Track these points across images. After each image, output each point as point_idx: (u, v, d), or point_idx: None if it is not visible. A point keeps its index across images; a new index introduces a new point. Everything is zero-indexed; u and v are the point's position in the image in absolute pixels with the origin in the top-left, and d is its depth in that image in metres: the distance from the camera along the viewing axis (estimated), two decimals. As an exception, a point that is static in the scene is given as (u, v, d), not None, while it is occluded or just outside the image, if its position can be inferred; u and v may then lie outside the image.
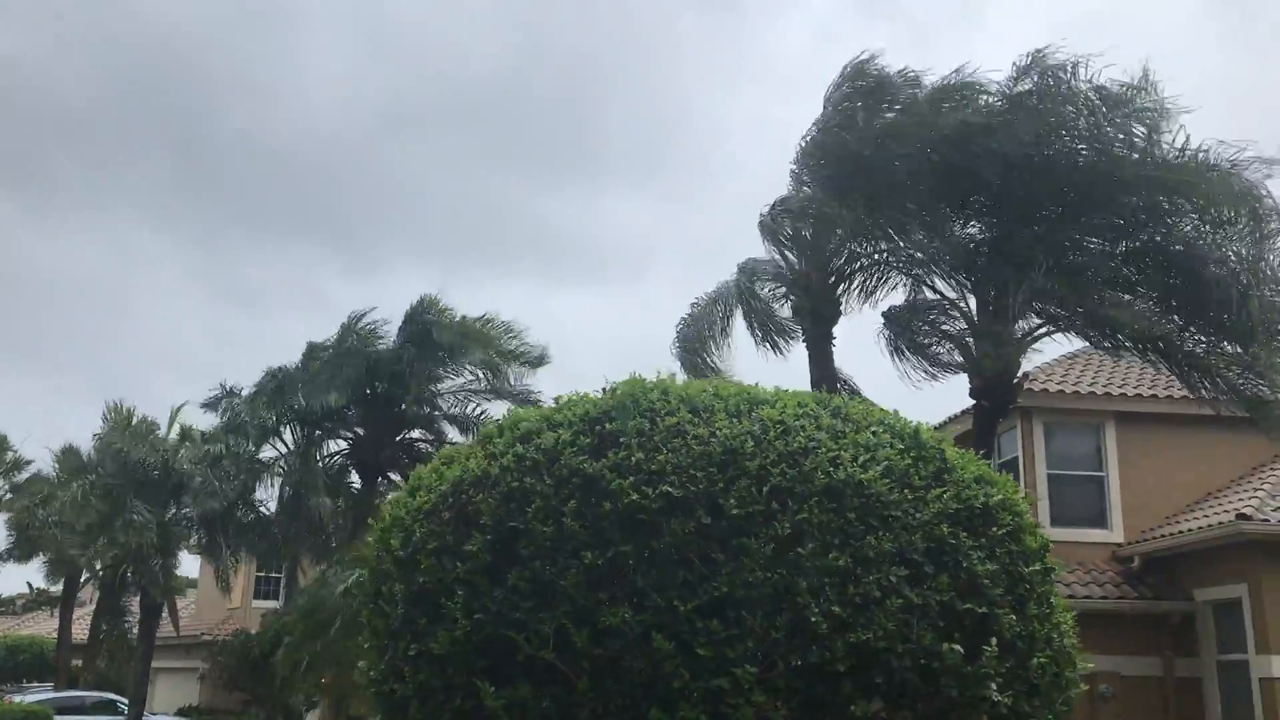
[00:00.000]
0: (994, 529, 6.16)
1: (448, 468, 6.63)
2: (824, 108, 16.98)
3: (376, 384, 24.20)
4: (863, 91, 16.52)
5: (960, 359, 17.53)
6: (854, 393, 18.61)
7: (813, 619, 5.52)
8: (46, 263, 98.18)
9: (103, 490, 25.53)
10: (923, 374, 18.52)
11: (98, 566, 28.71)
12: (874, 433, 6.36)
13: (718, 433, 6.04)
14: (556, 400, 6.93)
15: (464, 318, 24.17)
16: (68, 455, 32.26)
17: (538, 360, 24.46)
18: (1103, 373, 20.25)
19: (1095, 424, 19.32)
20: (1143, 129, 15.06)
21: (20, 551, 34.47)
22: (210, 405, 26.05)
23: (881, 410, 6.83)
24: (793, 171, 17.41)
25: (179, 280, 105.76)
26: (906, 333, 18.17)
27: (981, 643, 5.78)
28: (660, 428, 6.13)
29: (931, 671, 5.64)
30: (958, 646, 5.66)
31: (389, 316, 24.86)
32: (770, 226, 18.82)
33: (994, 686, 5.68)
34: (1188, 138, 14.97)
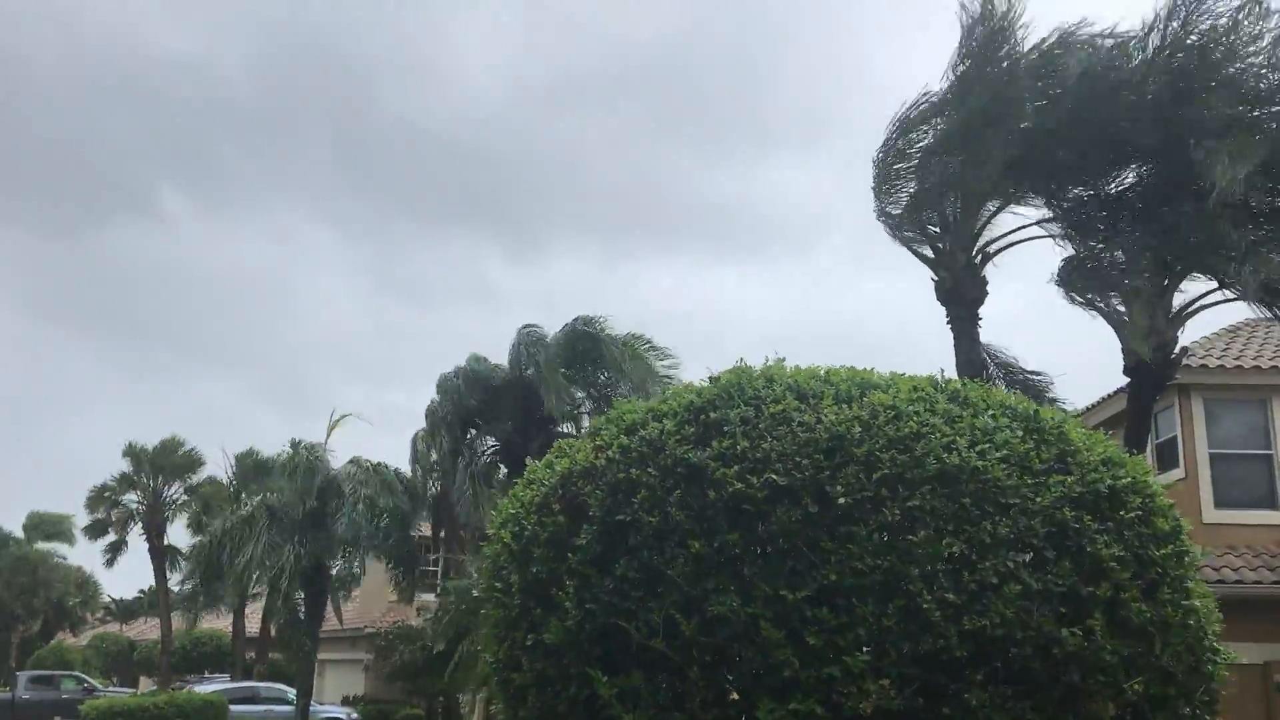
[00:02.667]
0: (1122, 512, 5.87)
1: (558, 460, 6.70)
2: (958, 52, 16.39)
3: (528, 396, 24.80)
4: (995, 34, 15.95)
5: (1116, 332, 16.75)
6: (1009, 370, 17.93)
7: (925, 606, 5.38)
8: (216, 260, 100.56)
9: (270, 521, 26.80)
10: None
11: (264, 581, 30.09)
12: (993, 416, 6.14)
13: (824, 419, 5.93)
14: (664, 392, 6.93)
15: (629, 336, 24.58)
16: (243, 461, 34.06)
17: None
18: (1268, 346, 19.08)
19: (1260, 399, 18.21)
20: None
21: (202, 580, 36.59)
22: None
23: (1002, 393, 6.59)
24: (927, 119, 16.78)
25: (342, 273, 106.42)
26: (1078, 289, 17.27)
27: (1109, 629, 5.53)
28: (765, 415, 6.06)
29: (1053, 658, 5.42)
30: (1079, 631, 5.42)
31: (551, 321, 25.51)
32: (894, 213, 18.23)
33: (1121, 674, 5.42)
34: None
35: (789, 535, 5.61)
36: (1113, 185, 16.44)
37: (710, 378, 6.74)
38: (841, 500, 5.61)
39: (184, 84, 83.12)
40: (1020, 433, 6.08)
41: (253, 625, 37.93)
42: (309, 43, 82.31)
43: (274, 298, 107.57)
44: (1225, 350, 18.92)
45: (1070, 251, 17.02)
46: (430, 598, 34.28)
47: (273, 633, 35.79)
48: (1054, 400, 16.94)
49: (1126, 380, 17.02)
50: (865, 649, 5.41)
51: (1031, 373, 17.43)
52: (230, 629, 39.04)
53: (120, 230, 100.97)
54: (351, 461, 27.55)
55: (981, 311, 17.95)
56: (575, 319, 24.90)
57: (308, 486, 26.45)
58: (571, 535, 6.14)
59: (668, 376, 23.94)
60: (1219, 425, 18.34)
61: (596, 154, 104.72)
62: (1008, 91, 15.60)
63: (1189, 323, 17.20)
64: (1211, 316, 17.42)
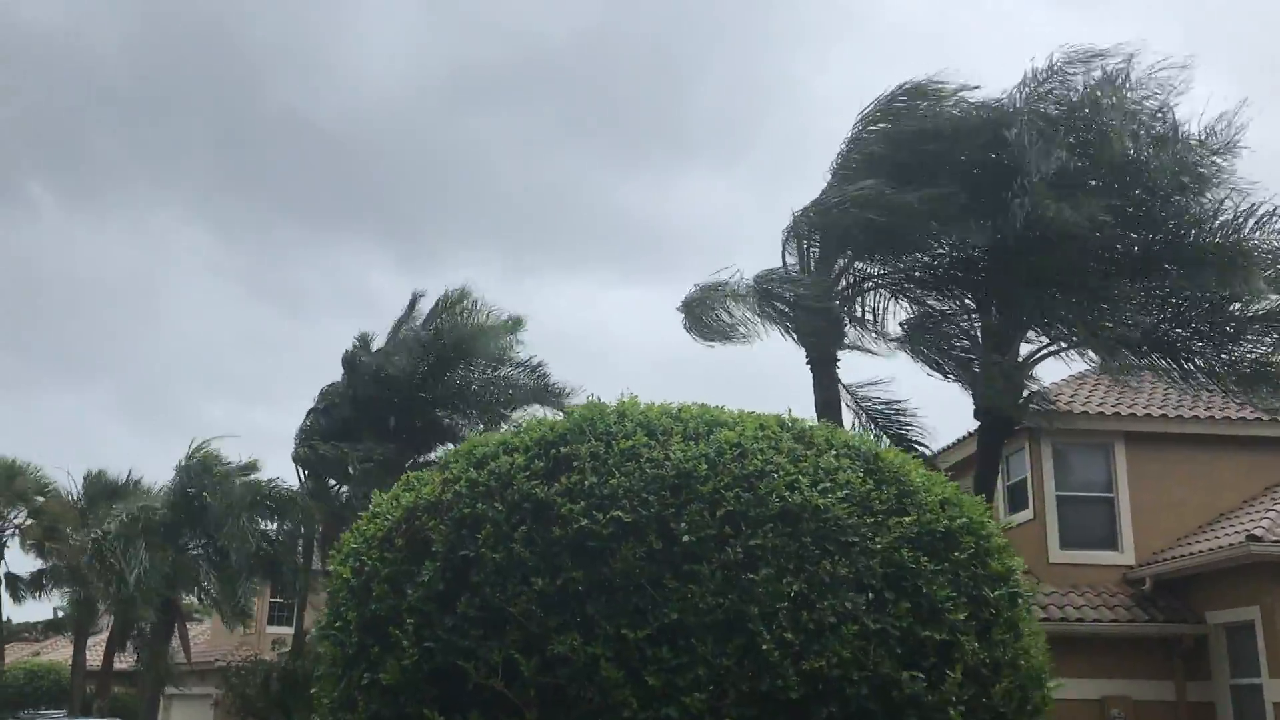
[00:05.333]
0: (956, 553, 6.01)
1: (404, 494, 6.55)
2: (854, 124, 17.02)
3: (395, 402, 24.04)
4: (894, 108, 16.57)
5: (964, 378, 17.33)
6: (871, 410, 18.28)
7: (764, 646, 5.39)
8: (75, 258, 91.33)
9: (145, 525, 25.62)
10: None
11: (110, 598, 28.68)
12: (836, 456, 6.23)
13: (671, 456, 5.93)
14: (518, 424, 6.86)
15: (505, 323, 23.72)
16: (94, 482, 32.49)
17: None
18: (1112, 393, 19.97)
19: (1105, 444, 19.03)
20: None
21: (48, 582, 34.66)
22: None
23: (846, 433, 6.70)
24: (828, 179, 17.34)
25: (213, 276, 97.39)
26: (922, 346, 17.84)
27: (944, 670, 5.63)
28: (615, 451, 6.03)
29: (891, 700, 5.49)
30: (919, 674, 5.51)
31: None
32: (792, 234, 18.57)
33: (955, 715, 5.52)
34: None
35: (633, 573, 5.58)
36: (949, 251, 17.09)
37: (564, 412, 6.70)
38: (686, 538, 5.61)
39: (50, 56, 75.78)
40: (861, 473, 6.18)
41: (94, 658, 36.09)
42: (193, 21, 74.83)
43: (136, 301, 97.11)
44: (1073, 396, 19.72)
45: (909, 311, 17.73)
46: (287, 630, 33.26)
47: (115, 665, 34.10)
48: (914, 442, 17.36)
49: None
50: (705, 689, 5.39)
51: (895, 414, 17.84)
52: (70, 661, 37.09)
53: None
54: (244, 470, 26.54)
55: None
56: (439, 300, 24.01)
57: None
58: (414, 571, 5.99)
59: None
60: (1066, 469, 19.09)
61: (501, 158, 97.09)
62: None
63: (1039, 368, 17.98)
64: (1057, 365, 18.19)
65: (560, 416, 6.74)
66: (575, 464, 6.00)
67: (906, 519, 5.95)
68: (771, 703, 5.40)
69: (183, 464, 27.12)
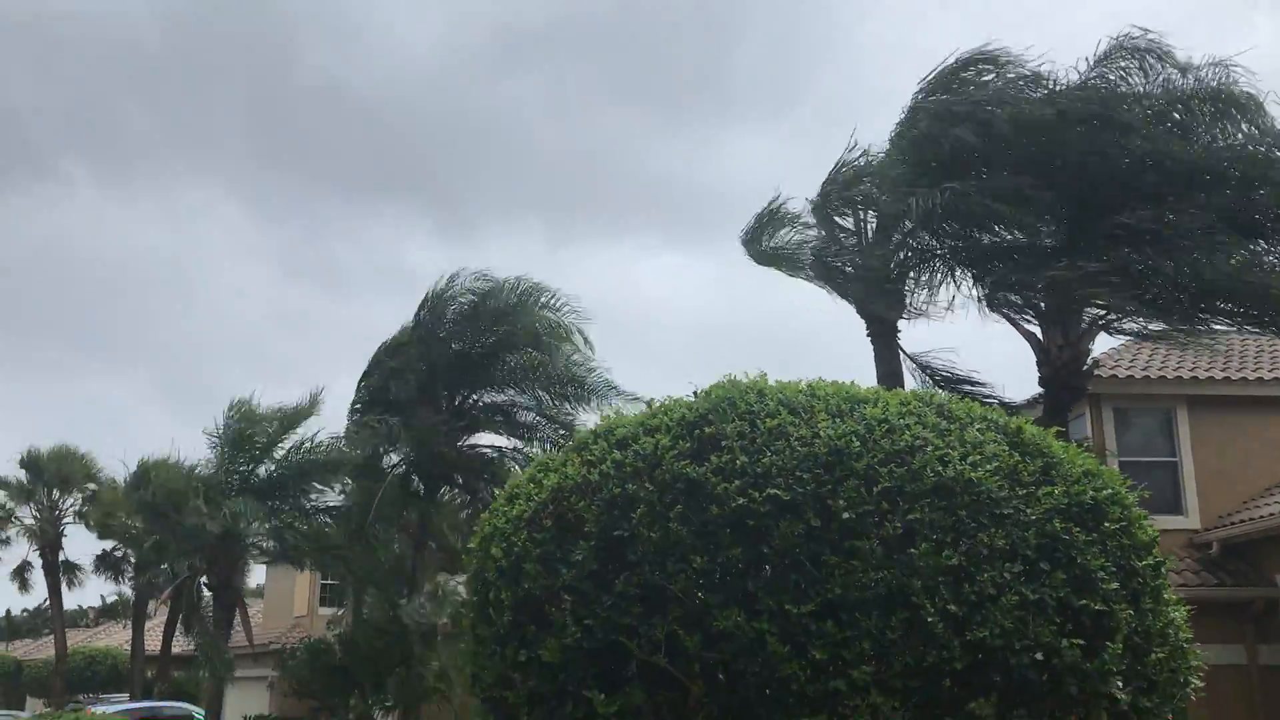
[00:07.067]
0: (1105, 523, 6.06)
1: (545, 475, 6.63)
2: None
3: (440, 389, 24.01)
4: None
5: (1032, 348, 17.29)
6: (946, 379, 18.27)
7: (928, 619, 5.46)
8: (112, 237, 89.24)
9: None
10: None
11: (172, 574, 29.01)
12: (979, 429, 6.28)
13: (821, 433, 5.99)
14: (649, 404, 6.92)
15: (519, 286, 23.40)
16: (144, 468, 32.82)
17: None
18: (1172, 356, 19.89)
19: (1167, 408, 18.98)
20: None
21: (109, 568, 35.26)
22: None
23: (983, 407, 6.74)
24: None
25: (251, 253, 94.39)
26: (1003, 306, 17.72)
27: (1099, 639, 5.69)
28: (761, 429, 6.09)
29: (1051, 669, 5.55)
30: (1079, 642, 5.57)
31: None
32: (823, 207, 18.61)
33: (1117, 684, 5.58)
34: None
35: (792, 550, 5.64)
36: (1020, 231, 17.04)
37: (695, 391, 6.76)
38: (844, 514, 5.67)
39: (85, 33, 73.56)
40: (1006, 445, 6.22)
41: (152, 641, 36.66)
42: (224, -8, 73.62)
43: (171, 283, 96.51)
44: (1133, 361, 19.66)
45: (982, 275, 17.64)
46: (338, 611, 33.58)
47: (173, 649, 34.63)
48: (1001, 404, 17.34)
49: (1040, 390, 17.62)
50: (870, 662, 5.47)
51: (967, 380, 17.82)
52: (128, 646, 37.66)
53: (20, 198, 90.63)
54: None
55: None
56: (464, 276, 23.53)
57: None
58: (565, 551, 6.08)
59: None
60: (1128, 433, 19.05)
61: (540, 124, 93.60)
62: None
63: (1101, 335, 17.92)
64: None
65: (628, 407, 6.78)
66: (723, 443, 6.05)
67: (1055, 490, 6.00)
68: (936, 674, 5.46)
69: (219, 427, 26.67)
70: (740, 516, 5.74)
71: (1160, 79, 15.62)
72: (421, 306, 23.81)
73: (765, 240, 18.89)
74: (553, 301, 23.18)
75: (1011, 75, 16.31)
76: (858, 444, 5.91)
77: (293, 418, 26.42)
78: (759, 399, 6.38)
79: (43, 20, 69.53)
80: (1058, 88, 15.93)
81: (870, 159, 17.75)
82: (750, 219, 18.81)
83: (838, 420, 6.10)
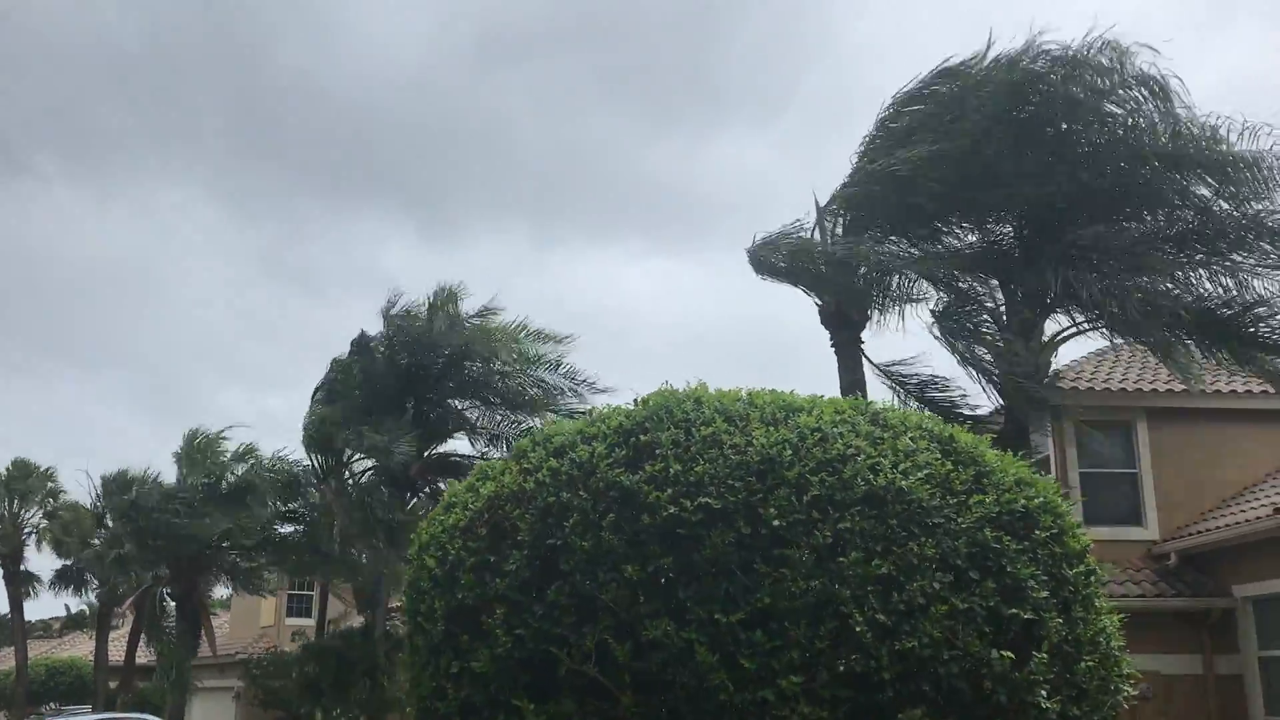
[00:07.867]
0: (1036, 532, 6.09)
1: (482, 484, 6.62)
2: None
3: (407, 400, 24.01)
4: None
5: (991, 359, 17.36)
6: (905, 386, 18.29)
7: (857, 628, 5.47)
8: (82, 236, 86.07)
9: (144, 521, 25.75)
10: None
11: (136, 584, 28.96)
12: (912, 438, 6.30)
13: (754, 441, 6.00)
14: (590, 412, 6.92)
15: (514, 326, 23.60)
16: (110, 484, 32.54)
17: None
18: (1132, 369, 20.05)
19: (1127, 421, 19.11)
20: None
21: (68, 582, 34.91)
22: None
23: (919, 415, 6.77)
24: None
25: (225, 254, 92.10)
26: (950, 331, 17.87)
27: (1028, 648, 5.71)
28: (696, 438, 6.10)
29: (979, 678, 5.57)
30: (1007, 653, 5.59)
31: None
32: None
33: (1043, 693, 5.61)
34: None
35: (723, 559, 5.65)
36: (979, 234, 17.17)
37: (635, 400, 6.76)
38: (775, 523, 5.68)
39: (61, 30, 72.28)
40: (939, 454, 6.25)
41: (115, 652, 36.24)
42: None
43: (144, 285, 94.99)
44: (1094, 374, 19.80)
45: (942, 294, 17.76)
46: (307, 621, 33.36)
47: (138, 660, 34.24)
48: (967, 414, 17.39)
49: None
50: (799, 671, 5.47)
51: (937, 388, 17.84)
52: (92, 657, 37.23)
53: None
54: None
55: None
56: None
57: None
58: (499, 560, 6.06)
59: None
60: (1088, 445, 19.17)
61: (525, 124, 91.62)
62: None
63: (1063, 348, 18.05)
64: (1084, 342, 18.25)
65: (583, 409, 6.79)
66: (658, 452, 6.06)
67: (986, 499, 6.03)
68: (865, 683, 5.47)
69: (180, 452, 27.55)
70: (672, 525, 5.75)
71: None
72: (351, 347, 24.01)
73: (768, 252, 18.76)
74: (487, 314, 23.55)
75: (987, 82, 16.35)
76: (790, 452, 5.92)
77: (247, 450, 27.31)
78: (695, 407, 6.39)
79: (17, 15, 68.53)
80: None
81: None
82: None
83: (771, 429, 6.12)
